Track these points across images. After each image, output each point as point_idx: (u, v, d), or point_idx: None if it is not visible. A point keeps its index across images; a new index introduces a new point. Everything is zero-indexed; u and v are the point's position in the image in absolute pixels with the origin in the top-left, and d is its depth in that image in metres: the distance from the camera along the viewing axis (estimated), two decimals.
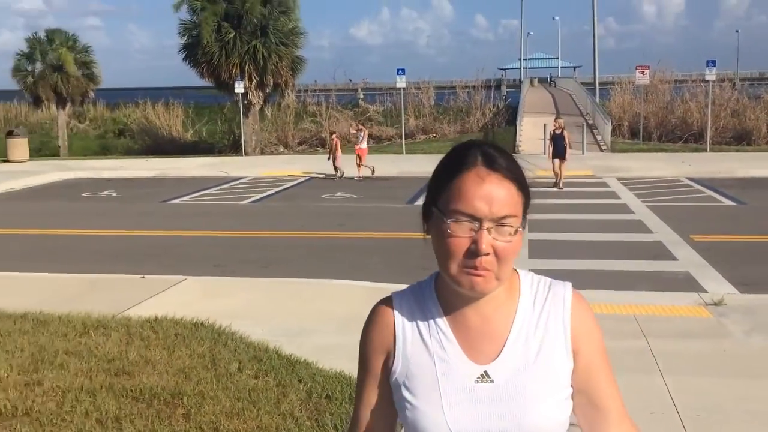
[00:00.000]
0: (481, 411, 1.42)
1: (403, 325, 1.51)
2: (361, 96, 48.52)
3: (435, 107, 38.26)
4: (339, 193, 18.08)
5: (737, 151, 25.82)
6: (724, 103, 30.81)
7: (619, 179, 19.18)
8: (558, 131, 17.99)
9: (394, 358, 1.51)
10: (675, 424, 4.88)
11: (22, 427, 4.77)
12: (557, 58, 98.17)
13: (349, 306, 8.02)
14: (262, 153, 30.78)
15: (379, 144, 32.46)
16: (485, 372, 1.44)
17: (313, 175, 21.15)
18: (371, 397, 1.56)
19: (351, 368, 5.81)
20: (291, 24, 31.86)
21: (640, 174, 20.00)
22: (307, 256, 11.36)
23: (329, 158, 21.13)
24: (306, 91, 40.81)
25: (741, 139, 28.77)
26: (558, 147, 17.71)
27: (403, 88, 28.96)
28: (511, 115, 35.88)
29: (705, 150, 25.43)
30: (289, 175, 21.69)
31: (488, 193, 1.38)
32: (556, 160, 17.67)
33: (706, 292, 8.31)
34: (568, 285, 1.54)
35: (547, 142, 18.60)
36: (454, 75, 46.75)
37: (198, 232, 13.40)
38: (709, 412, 5.03)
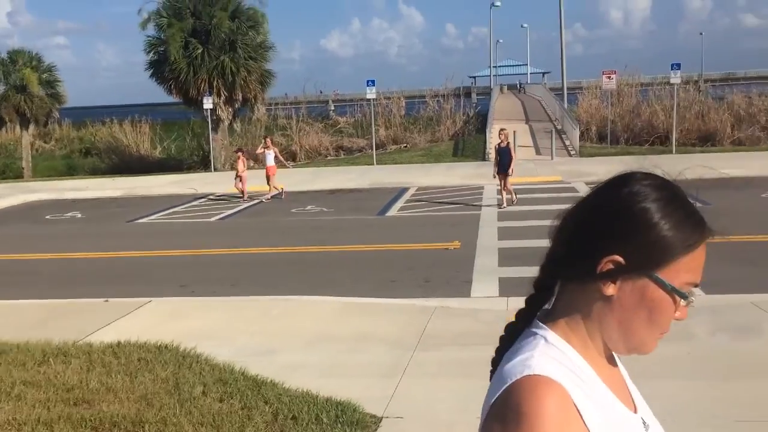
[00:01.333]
0: None
1: (583, 402, 1.25)
2: (332, 108, 48.51)
3: (405, 117, 38.29)
4: (309, 207, 17.97)
5: (702, 152, 26.07)
6: (689, 105, 31.21)
7: (587, 183, 19.26)
8: (504, 144, 16.24)
9: None
10: None
11: None
12: (526, 65, 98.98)
13: (317, 322, 7.95)
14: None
15: (350, 155, 32.41)
16: (642, 419, 1.37)
17: (285, 189, 20.97)
18: None
19: (317, 386, 5.73)
20: (260, 38, 31.79)
21: (607, 178, 20.04)
22: (276, 272, 11.24)
23: (235, 177, 20.41)
24: (277, 104, 40.66)
25: (706, 140, 29.08)
26: (504, 162, 16.00)
27: (373, 99, 28.94)
28: (481, 122, 36.00)
29: (671, 152, 25.65)
30: (258, 190, 21.53)
31: None
32: (502, 176, 16.01)
33: None
34: None
35: (492, 156, 16.33)
36: (427, 84, 46.75)
37: (164, 252, 13.22)
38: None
